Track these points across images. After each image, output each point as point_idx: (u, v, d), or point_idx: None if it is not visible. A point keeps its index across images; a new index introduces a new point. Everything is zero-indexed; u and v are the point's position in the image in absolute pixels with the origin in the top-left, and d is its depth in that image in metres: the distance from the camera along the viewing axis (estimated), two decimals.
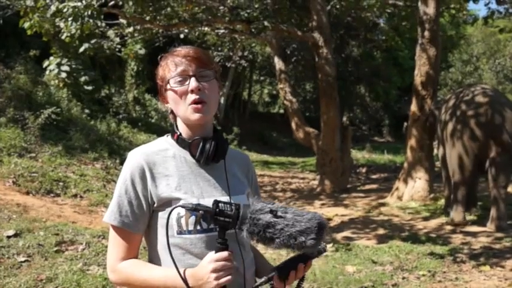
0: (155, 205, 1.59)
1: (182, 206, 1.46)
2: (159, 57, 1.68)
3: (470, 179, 7.49)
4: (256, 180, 1.86)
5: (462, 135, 7.37)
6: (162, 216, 1.57)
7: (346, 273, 5.28)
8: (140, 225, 1.60)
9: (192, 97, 1.57)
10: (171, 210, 1.49)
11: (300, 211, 1.40)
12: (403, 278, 5.15)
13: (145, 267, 1.57)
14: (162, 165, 1.61)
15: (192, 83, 1.56)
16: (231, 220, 1.41)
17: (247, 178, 1.78)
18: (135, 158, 1.61)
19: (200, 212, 1.44)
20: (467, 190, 7.51)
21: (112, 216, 1.59)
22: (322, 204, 10.01)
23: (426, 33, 9.31)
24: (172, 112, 1.67)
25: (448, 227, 7.45)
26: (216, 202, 1.43)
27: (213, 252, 1.44)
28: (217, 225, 1.44)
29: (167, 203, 1.57)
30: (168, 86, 1.60)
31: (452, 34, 28.60)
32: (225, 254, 1.43)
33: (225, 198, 1.58)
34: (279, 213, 1.37)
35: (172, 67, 1.60)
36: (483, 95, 7.41)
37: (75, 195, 7.67)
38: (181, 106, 1.59)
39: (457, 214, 7.51)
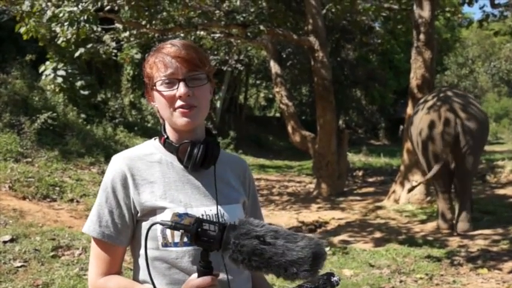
0: (139, 215, 1.46)
1: (160, 223, 1.31)
2: (147, 54, 1.54)
3: (447, 186, 7.43)
4: (254, 188, 1.70)
5: (427, 144, 7.27)
6: (145, 227, 1.41)
7: (344, 276, 5.27)
8: (122, 237, 1.47)
9: (179, 103, 1.43)
10: (149, 228, 1.33)
11: (293, 235, 1.22)
12: (401, 281, 5.15)
13: (125, 285, 1.45)
14: (147, 171, 1.48)
15: (181, 88, 1.42)
16: (213, 242, 1.24)
17: (243, 185, 1.62)
18: (117, 164, 1.49)
19: (180, 230, 1.30)
20: (448, 196, 7.48)
21: (91, 227, 1.46)
22: (319, 207, 10.00)
23: (421, 37, 9.35)
24: (159, 111, 1.53)
25: (445, 230, 7.46)
26: (199, 221, 1.27)
27: (195, 275, 1.31)
28: (198, 246, 1.27)
29: (151, 212, 1.44)
30: (155, 88, 1.46)
31: (448, 37, 28.73)
32: (208, 279, 1.28)
33: (215, 208, 1.48)
34: (268, 239, 1.20)
35: (161, 67, 1.45)
36: (448, 102, 7.26)
37: (71, 200, 7.66)
38: (167, 110, 1.46)
39: (442, 222, 7.54)
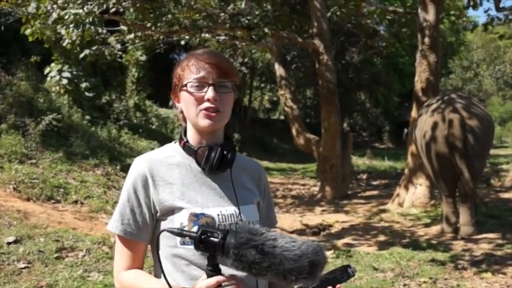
0: (158, 214, 1.55)
1: (167, 231, 1.40)
2: (183, 56, 1.64)
3: (452, 189, 7.38)
4: (268, 190, 1.79)
5: (431, 147, 7.22)
6: (164, 225, 1.52)
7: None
8: (143, 234, 1.57)
9: (206, 105, 1.53)
10: (159, 234, 1.46)
11: (291, 243, 1.27)
12: (404, 285, 5.14)
13: (145, 280, 1.54)
14: (166, 172, 1.58)
15: (210, 92, 1.52)
16: (216, 249, 1.31)
17: (258, 188, 1.71)
18: (138, 166, 1.59)
19: (186, 238, 1.39)
20: (453, 200, 7.45)
21: (114, 225, 1.57)
22: (323, 210, 9.99)
23: (426, 40, 9.33)
24: (182, 112, 1.62)
25: (449, 234, 7.43)
26: (203, 228, 1.34)
27: (204, 276, 1.38)
28: (203, 251, 1.35)
29: (170, 211, 1.53)
30: (185, 88, 1.56)
31: (453, 40, 28.66)
32: (214, 280, 1.34)
33: (232, 209, 1.56)
34: (266, 249, 1.25)
35: (193, 69, 1.55)
36: (452, 105, 7.19)
37: (75, 202, 7.66)
38: (193, 110, 1.55)
39: (446, 225, 7.51)
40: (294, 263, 1.24)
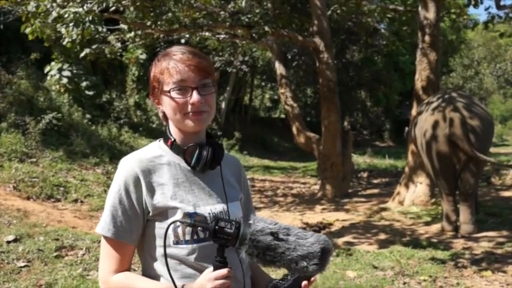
0: (150, 214, 1.53)
1: (180, 221, 1.43)
2: (156, 58, 1.60)
3: (452, 188, 7.35)
4: (247, 184, 1.81)
5: (431, 145, 7.21)
6: (159, 226, 1.52)
7: (347, 278, 5.26)
8: (134, 236, 1.54)
9: (191, 109, 1.52)
10: (169, 225, 1.43)
11: (303, 233, 1.35)
12: (404, 283, 5.13)
13: (139, 281, 1.51)
14: (157, 172, 1.55)
15: (194, 96, 1.50)
16: (230, 238, 1.36)
17: (239, 183, 1.73)
18: (129, 165, 1.55)
19: (198, 228, 1.44)
20: (453, 198, 7.43)
21: (106, 228, 1.52)
22: (323, 209, 9.98)
23: (427, 38, 9.32)
24: (164, 115, 1.61)
25: (450, 232, 7.42)
26: (216, 219, 1.38)
27: (211, 269, 1.40)
28: (215, 242, 1.38)
29: (163, 212, 1.52)
30: (167, 94, 1.53)
31: (453, 39, 28.61)
32: (224, 271, 1.38)
33: (221, 206, 1.57)
34: (281, 236, 1.32)
35: (173, 73, 1.51)
36: (453, 103, 7.17)
37: (75, 200, 7.67)
38: (179, 115, 1.53)
39: (446, 224, 7.50)
40: (307, 249, 1.31)
